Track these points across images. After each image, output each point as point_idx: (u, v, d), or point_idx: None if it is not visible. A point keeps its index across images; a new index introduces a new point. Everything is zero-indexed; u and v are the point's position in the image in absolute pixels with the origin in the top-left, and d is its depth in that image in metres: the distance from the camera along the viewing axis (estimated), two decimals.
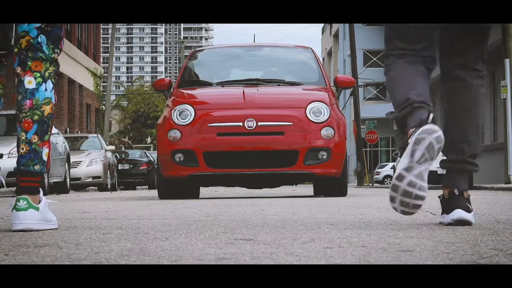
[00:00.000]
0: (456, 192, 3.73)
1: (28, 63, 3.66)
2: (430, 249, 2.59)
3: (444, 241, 2.88)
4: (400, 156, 3.53)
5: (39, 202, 3.53)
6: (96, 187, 25.15)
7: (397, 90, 3.70)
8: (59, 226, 3.96)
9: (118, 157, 31.51)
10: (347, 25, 53.84)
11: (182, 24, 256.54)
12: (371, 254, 2.45)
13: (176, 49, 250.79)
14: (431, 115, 3.52)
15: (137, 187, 32.61)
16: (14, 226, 3.44)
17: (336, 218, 4.52)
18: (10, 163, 15.93)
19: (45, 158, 3.55)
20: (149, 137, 73.53)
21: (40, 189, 3.57)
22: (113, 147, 29.25)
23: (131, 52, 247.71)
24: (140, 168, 32.54)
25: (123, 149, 55.49)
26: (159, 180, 10.38)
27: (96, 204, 8.11)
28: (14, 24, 3.78)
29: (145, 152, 35.57)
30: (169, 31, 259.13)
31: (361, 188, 31.65)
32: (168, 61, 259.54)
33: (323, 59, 77.39)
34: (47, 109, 3.57)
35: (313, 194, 11.65)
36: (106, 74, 43.28)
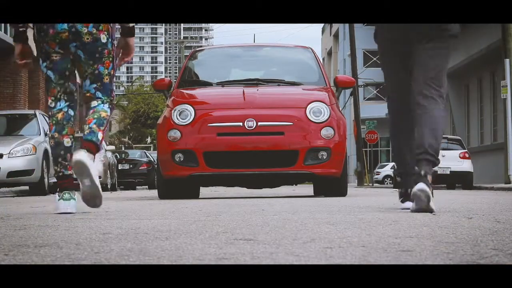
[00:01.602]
0: (422, 173, 5.17)
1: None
2: (430, 249, 2.59)
3: (444, 241, 2.88)
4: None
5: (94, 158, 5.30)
6: None
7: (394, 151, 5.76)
8: (59, 226, 3.96)
9: (118, 157, 31.51)
10: (347, 25, 53.84)
11: (182, 24, 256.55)
12: (371, 254, 2.45)
13: (176, 49, 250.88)
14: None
15: (137, 187, 32.60)
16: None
17: (336, 218, 4.52)
18: (10, 163, 15.91)
19: (99, 137, 5.38)
20: (149, 137, 73.51)
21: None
22: (113, 147, 29.24)
23: None
24: (140, 168, 32.53)
25: (123, 149, 55.49)
26: (159, 180, 10.38)
27: None
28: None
29: (145, 152, 35.55)
30: (169, 31, 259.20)
31: (361, 188, 31.66)
32: (168, 61, 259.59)
33: (323, 59, 77.37)
34: (102, 113, 5.50)
35: (313, 194, 11.64)
36: None
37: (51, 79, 5.57)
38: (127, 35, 5.69)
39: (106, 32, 5.53)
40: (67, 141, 5.52)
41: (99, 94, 5.59)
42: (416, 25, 5.31)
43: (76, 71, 5.63)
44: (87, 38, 5.49)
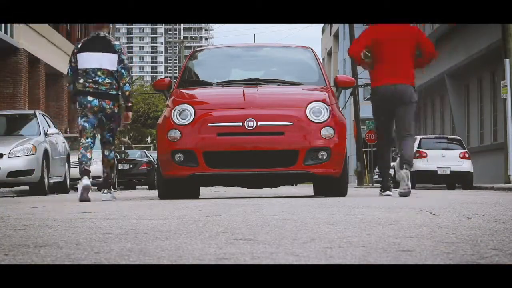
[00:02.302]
0: (405, 170, 9.77)
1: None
2: (430, 249, 2.59)
3: (444, 241, 2.88)
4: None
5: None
6: (96, 187, 25.17)
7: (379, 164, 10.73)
8: (59, 226, 3.96)
9: (118, 157, 31.51)
10: (347, 25, 53.82)
11: (182, 24, 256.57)
12: (371, 254, 2.46)
13: (176, 49, 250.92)
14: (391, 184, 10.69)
15: (137, 187, 32.61)
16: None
17: (336, 218, 4.52)
18: (10, 163, 15.91)
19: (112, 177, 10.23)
20: (149, 137, 73.48)
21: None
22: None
23: (131, 52, 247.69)
24: (140, 168, 32.54)
25: (123, 149, 55.47)
26: (159, 180, 10.38)
27: (96, 204, 8.11)
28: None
29: (145, 152, 35.54)
30: (169, 31, 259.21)
31: (361, 188, 31.66)
32: (168, 61, 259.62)
33: (323, 59, 77.35)
34: (112, 161, 10.44)
35: (313, 194, 11.64)
36: None
37: (86, 128, 9.83)
38: (128, 110, 10.09)
39: (117, 107, 9.92)
40: (88, 155, 9.73)
41: (110, 139, 10.15)
42: (397, 95, 10.07)
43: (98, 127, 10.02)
44: (108, 111, 9.87)
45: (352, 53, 10.30)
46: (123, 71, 9.92)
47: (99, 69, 9.82)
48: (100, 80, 9.79)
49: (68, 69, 10.08)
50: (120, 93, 9.92)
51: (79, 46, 10.00)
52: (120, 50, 9.94)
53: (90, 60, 9.86)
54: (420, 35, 10.37)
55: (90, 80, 9.79)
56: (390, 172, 10.37)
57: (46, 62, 32.12)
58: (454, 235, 3.17)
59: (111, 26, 10.51)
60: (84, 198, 9.28)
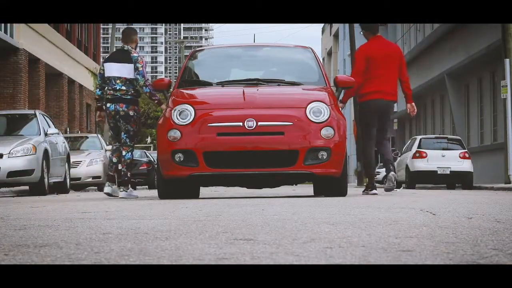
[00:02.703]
0: (391, 170, 11.79)
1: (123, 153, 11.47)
2: (430, 249, 2.59)
3: (444, 241, 2.88)
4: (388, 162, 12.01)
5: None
6: (96, 187, 25.16)
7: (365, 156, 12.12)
8: (59, 226, 3.96)
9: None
10: (347, 25, 53.82)
11: (182, 24, 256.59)
12: (371, 254, 2.46)
13: (176, 49, 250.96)
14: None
15: (137, 187, 32.60)
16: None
17: (336, 218, 4.52)
18: (10, 163, 15.91)
19: (129, 175, 11.38)
20: (149, 137, 73.50)
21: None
22: None
23: None
24: (140, 168, 32.51)
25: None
26: (159, 180, 10.37)
27: (96, 204, 8.11)
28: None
29: (145, 152, 35.50)
30: (169, 31, 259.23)
31: (361, 188, 31.63)
32: (168, 61, 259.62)
33: (323, 59, 77.35)
34: (128, 161, 11.32)
35: (313, 194, 11.64)
36: None
37: (111, 134, 11.51)
38: (159, 104, 11.27)
39: (132, 110, 11.32)
40: (114, 159, 11.38)
41: (127, 140, 11.29)
42: (385, 110, 11.63)
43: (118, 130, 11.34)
44: (122, 113, 11.21)
45: (357, 83, 11.49)
46: (138, 76, 11.24)
47: (119, 78, 11.29)
48: (117, 87, 11.26)
49: (98, 75, 11.73)
50: (136, 98, 11.43)
51: (106, 57, 11.69)
52: (136, 60, 11.27)
53: (111, 69, 11.37)
54: (403, 59, 12.03)
55: (110, 88, 11.30)
56: (375, 171, 12.01)
57: (46, 62, 32.11)
58: (454, 235, 3.17)
59: (137, 41, 11.88)
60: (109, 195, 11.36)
